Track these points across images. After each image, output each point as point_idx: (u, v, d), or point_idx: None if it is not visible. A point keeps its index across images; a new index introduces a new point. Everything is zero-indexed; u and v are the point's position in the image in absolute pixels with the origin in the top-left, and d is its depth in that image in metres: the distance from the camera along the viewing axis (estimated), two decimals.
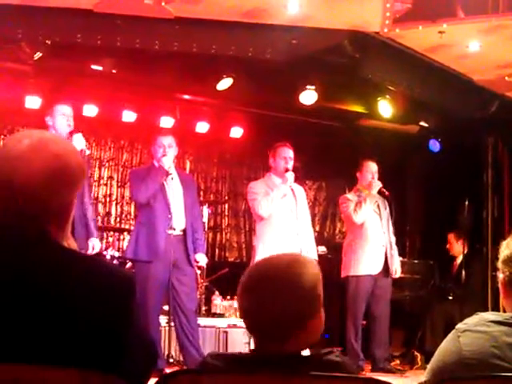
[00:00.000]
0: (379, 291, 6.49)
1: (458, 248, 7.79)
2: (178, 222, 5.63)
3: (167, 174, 5.63)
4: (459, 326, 1.87)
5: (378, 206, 6.64)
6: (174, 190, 5.71)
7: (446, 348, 1.87)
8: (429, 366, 1.92)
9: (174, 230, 5.60)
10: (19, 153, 1.62)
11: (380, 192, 6.62)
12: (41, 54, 6.37)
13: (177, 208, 5.65)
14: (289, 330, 1.74)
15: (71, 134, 5.23)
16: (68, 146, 1.73)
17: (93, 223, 5.49)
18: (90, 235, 5.36)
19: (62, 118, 5.30)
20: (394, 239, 6.69)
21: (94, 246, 5.37)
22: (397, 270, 6.59)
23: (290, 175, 6.02)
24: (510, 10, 5.63)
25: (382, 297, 6.51)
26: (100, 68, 6.88)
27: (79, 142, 5.21)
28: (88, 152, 5.68)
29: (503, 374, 1.71)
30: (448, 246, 7.89)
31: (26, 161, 1.61)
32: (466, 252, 7.73)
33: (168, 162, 5.64)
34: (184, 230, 5.64)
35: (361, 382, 1.67)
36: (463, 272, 7.56)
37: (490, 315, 1.86)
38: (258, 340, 1.78)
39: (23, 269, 1.56)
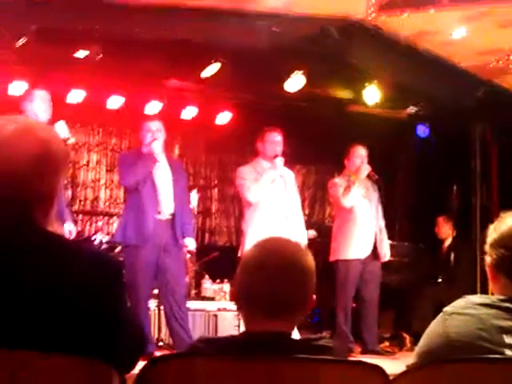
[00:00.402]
0: (369, 275, 6.51)
1: (446, 231, 7.85)
2: (167, 206, 5.61)
3: (155, 161, 5.60)
4: (446, 308, 1.88)
5: (368, 190, 6.65)
6: (163, 174, 5.69)
7: (433, 331, 1.88)
8: (416, 349, 1.93)
9: (163, 214, 5.59)
10: (4, 138, 1.61)
11: (369, 176, 6.62)
12: (24, 40, 6.30)
13: (165, 193, 5.63)
14: (292, 307, 1.79)
15: (53, 121, 5.19)
16: (52, 132, 1.73)
17: (67, 209, 5.46)
18: (65, 220, 5.33)
19: (41, 103, 5.26)
20: (383, 223, 6.70)
21: (71, 231, 5.36)
22: (386, 254, 6.61)
23: (280, 161, 6.01)
24: None
25: (372, 280, 6.53)
26: (86, 54, 6.82)
27: (62, 129, 5.17)
28: (73, 140, 5.64)
29: (490, 356, 1.72)
30: (437, 229, 7.93)
31: (11, 146, 1.60)
32: (454, 235, 7.80)
33: (158, 146, 5.61)
34: (172, 215, 5.62)
35: (350, 365, 1.68)
36: (452, 255, 7.62)
37: (478, 298, 1.87)
38: (253, 319, 1.79)
39: (9, 254, 1.55)
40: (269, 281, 1.76)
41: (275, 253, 1.81)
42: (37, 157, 1.61)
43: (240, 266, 1.84)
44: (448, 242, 7.83)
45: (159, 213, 5.57)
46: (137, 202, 5.56)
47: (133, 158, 5.68)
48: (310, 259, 1.84)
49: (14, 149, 1.60)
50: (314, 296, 1.83)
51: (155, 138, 5.59)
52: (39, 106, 5.25)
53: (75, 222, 8.60)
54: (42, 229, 1.62)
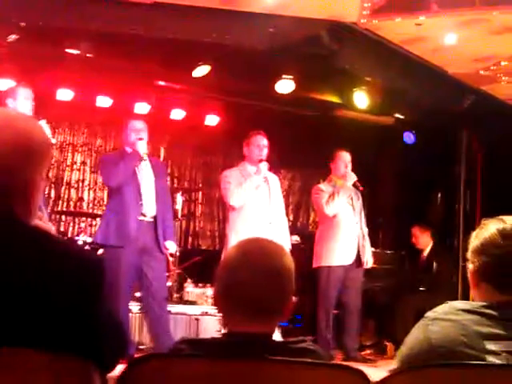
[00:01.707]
0: (351, 281, 6.51)
1: (423, 240, 7.78)
2: (149, 208, 5.58)
3: (141, 158, 5.58)
4: (428, 314, 1.88)
5: (352, 197, 6.66)
6: (146, 176, 5.65)
7: (415, 336, 1.88)
8: (398, 354, 1.93)
9: (145, 216, 5.56)
10: None
11: (355, 185, 6.63)
12: (15, 37, 6.26)
13: (148, 195, 5.59)
14: (272, 308, 1.77)
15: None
16: (33, 123, 1.70)
17: (44, 207, 5.40)
18: (44, 220, 5.25)
19: (25, 100, 5.20)
20: (366, 230, 6.72)
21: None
22: (368, 261, 6.62)
23: (264, 166, 6.00)
24: (485, 4, 5.67)
25: (354, 287, 6.54)
26: (76, 52, 6.78)
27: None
28: (53, 141, 5.56)
29: (471, 362, 1.72)
30: (413, 239, 7.86)
31: None
32: (433, 243, 7.76)
33: (143, 146, 5.58)
34: (154, 217, 5.59)
35: (330, 368, 1.67)
36: (434, 263, 7.62)
37: (460, 304, 1.87)
38: (233, 319, 1.78)
39: None
40: (248, 281, 1.75)
41: (255, 253, 1.81)
42: (17, 149, 1.59)
43: (220, 265, 1.83)
44: (427, 251, 7.76)
45: (142, 215, 5.54)
46: (119, 204, 5.51)
47: (116, 158, 5.65)
48: (289, 260, 1.83)
49: None
50: (294, 298, 1.82)
51: (141, 137, 5.57)
52: (22, 104, 5.18)
53: (58, 223, 8.59)
54: (22, 223, 1.60)
